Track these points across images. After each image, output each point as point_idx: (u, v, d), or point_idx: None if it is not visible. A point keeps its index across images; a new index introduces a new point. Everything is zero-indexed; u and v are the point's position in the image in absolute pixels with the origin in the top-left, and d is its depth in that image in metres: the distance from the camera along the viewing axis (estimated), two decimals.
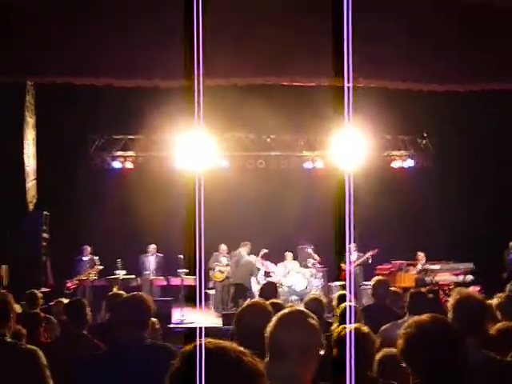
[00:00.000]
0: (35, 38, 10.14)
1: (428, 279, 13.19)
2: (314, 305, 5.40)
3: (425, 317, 2.45)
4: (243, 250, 13.38)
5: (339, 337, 3.43)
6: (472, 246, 13.74)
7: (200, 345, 1.47)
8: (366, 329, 3.54)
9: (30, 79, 12.29)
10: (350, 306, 4.60)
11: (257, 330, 2.58)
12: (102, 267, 12.84)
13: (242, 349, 1.52)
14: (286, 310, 2.54)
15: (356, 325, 3.54)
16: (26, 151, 12.78)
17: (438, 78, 10.96)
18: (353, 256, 13.75)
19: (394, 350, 3.71)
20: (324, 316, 5.32)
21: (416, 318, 2.48)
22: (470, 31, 10.16)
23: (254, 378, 1.46)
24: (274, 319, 2.47)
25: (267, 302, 3.59)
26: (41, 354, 3.59)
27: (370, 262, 13.63)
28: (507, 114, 13.49)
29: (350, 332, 3.11)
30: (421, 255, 13.78)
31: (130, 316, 3.49)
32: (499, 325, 3.88)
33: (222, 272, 13.36)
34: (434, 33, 10.31)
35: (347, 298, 5.32)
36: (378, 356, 3.62)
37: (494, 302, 5.23)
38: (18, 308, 6.01)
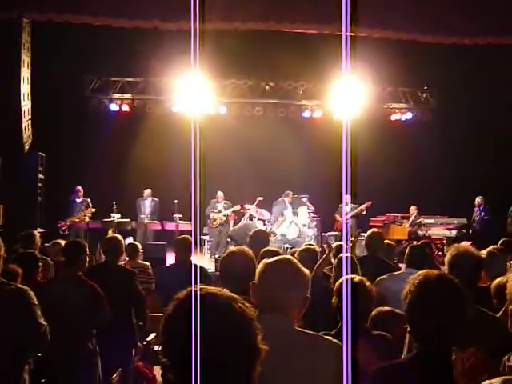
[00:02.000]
0: None
1: (421, 233, 13.30)
2: (308, 255, 5.45)
3: (432, 274, 2.44)
4: (287, 200, 13.39)
5: (341, 287, 3.46)
6: (467, 201, 13.81)
7: (195, 291, 1.47)
8: (367, 282, 3.59)
9: (27, 16, 12.03)
10: (347, 257, 4.64)
11: (237, 275, 2.57)
12: (94, 209, 12.85)
13: (232, 294, 1.52)
14: (271, 260, 2.48)
15: (358, 277, 3.57)
16: (22, 90, 12.62)
17: (445, 30, 10.78)
18: (347, 207, 13.80)
19: (386, 308, 3.78)
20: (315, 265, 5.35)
21: (423, 272, 2.46)
22: None
23: (244, 323, 1.47)
24: (261, 269, 2.43)
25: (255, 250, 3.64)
26: (31, 293, 3.60)
27: (364, 213, 13.68)
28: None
29: (347, 282, 3.13)
30: (413, 208, 13.88)
31: None
32: (498, 280, 3.91)
33: (215, 219, 13.39)
34: None
35: (343, 249, 5.36)
36: (371, 313, 3.66)
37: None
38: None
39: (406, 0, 10.18)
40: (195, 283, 1.51)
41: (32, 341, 3.69)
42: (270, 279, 2.37)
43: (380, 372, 2.44)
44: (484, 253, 5.10)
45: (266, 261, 2.48)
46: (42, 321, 3.66)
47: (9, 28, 11.92)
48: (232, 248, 3.69)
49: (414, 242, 9.06)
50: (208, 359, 1.40)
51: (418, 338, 2.37)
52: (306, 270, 2.46)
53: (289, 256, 2.66)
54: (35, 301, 3.61)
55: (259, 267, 2.46)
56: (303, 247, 6.29)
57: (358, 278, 3.56)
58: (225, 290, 1.54)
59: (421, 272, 2.47)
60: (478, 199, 13.69)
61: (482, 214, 13.58)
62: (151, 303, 5.91)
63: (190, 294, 1.49)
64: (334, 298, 3.46)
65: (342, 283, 3.46)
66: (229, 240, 13.61)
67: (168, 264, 5.49)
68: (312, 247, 5.93)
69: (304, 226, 13.83)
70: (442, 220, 13.78)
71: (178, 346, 1.43)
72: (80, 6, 10.20)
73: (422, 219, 13.69)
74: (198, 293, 1.47)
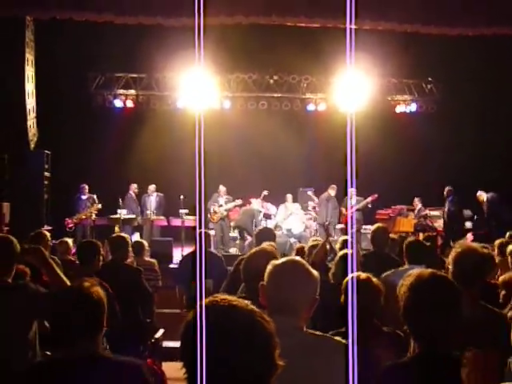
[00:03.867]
0: None
1: (427, 224, 13.28)
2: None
3: (425, 273, 2.43)
4: (332, 192, 13.46)
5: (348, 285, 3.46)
6: (473, 193, 13.75)
7: (211, 301, 1.47)
8: (373, 278, 3.58)
9: (30, 15, 12.04)
10: (352, 253, 4.62)
11: (262, 276, 2.57)
12: (100, 206, 12.88)
13: (253, 307, 1.51)
14: (280, 261, 2.47)
15: (364, 274, 3.56)
16: (27, 89, 12.65)
17: (448, 21, 10.71)
18: (353, 200, 13.78)
19: None
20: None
21: (416, 272, 2.46)
22: None
23: (264, 337, 1.46)
24: (270, 270, 2.41)
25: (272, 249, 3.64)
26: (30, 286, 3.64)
27: (369, 206, 13.67)
28: None
29: (352, 279, 3.12)
30: (416, 200, 13.84)
31: None
32: (506, 275, 3.91)
33: (215, 213, 13.30)
34: None
35: (349, 244, 5.35)
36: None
37: (510, 248, 5.28)
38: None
39: None
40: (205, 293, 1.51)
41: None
42: (278, 280, 2.36)
43: (387, 371, 2.44)
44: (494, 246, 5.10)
45: (275, 262, 2.47)
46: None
47: (12, 26, 11.94)
48: (255, 248, 3.69)
49: (414, 237, 9.00)
50: (224, 373, 1.40)
51: (417, 338, 2.38)
52: (314, 272, 2.45)
53: (297, 257, 2.65)
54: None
55: (268, 268, 2.44)
56: (311, 243, 6.30)
57: (364, 275, 3.55)
58: (246, 301, 1.53)
59: (413, 272, 2.47)
60: (446, 190, 13.46)
61: (449, 204, 13.39)
62: (159, 300, 5.93)
63: (211, 302, 1.48)
64: (342, 296, 3.44)
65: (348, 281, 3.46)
66: (236, 232, 13.59)
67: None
68: (320, 242, 5.92)
69: (310, 219, 13.85)
70: None
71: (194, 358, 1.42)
72: (83, 3, 10.19)
73: (427, 211, 13.66)
74: (217, 304, 1.47)
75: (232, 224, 13.64)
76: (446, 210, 13.40)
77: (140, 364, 2.74)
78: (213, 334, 1.40)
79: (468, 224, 13.74)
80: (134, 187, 13.80)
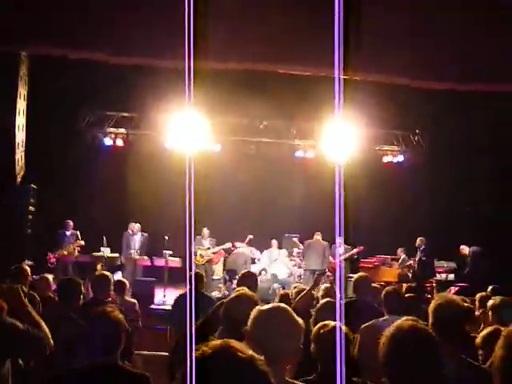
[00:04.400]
0: (32, 8, 10.00)
1: (411, 275, 13.27)
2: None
3: (405, 325, 2.42)
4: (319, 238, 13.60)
5: (318, 333, 3.42)
6: (457, 245, 13.81)
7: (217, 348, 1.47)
8: (345, 328, 3.54)
9: (25, 50, 12.15)
10: (340, 303, 4.59)
11: (242, 321, 2.54)
12: (83, 242, 12.79)
13: (251, 352, 1.50)
14: (266, 307, 2.43)
15: (333, 324, 3.51)
16: (17, 122, 12.67)
17: (437, 76, 10.93)
18: (340, 249, 13.81)
19: None
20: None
21: (397, 323, 2.45)
22: (474, 31, 10.13)
23: (265, 381, 1.47)
24: (255, 316, 2.38)
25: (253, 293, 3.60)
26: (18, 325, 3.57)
27: (355, 257, 13.76)
28: (502, 113, 13.56)
29: (335, 330, 3.09)
30: (399, 251, 13.95)
31: None
32: (486, 331, 3.89)
33: (202, 256, 13.31)
34: (436, 31, 10.28)
35: (336, 292, 5.31)
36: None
37: (490, 303, 5.28)
38: None
39: (399, 45, 10.34)
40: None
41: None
42: (263, 328, 2.33)
43: None
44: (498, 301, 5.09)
45: (260, 308, 2.44)
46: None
47: (7, 61, 12.02)
48: (236, 293, 3.65)
49: (404, 285, 9.02)
50: None
51: None
52: (300, 320, 2.42)
53: (282, 304, 2.61)
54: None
55: (253, 313, 2.41)
56: (297, 289, 6.26)
57: (332, 323, 3.44)
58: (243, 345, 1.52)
59: (394, 324, 2.45)
60: (418, 240, 13.47)
61: (421, 255, 13.44)
62: (138, 341, 5.83)
63: (220, 346, 1.48)
64: (312, 344, 3.38)
65: (319, 329, 3.42)
66: (220, 275, 13.53)
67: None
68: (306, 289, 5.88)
69: (295, 266, 13.82)
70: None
71: None
72: (77, 42, 10.29)
73: (411, 262, 13.69)
74: (216, 349, 1.47)
75: (218, 267, 13.62)
76: (417, 259, 13.47)
77: (149, 376, 3.39)
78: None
79: (451, 276, 13.75)
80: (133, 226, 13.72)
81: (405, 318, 2.54)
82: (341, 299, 5.13)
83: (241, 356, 1.46)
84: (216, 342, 1.49)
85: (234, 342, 1.50)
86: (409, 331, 2.36)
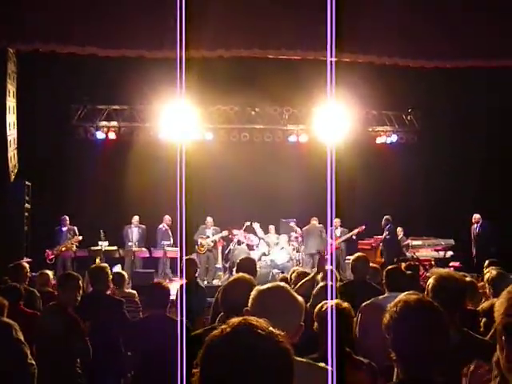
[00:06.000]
0: (19, 4, 9.95)
1: (409, 254, 13.33)
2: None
3: (412, 298, 2.43)
4: (315, 223, 13.75)
5: (320, 312, 3.51)
6: (454, 222, 13.88)
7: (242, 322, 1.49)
8: (345, 304, 3.59)
9: (12, 46, 12.06)
10: (332, 285, 4.63)
11: (241, 304, 2.56)
12: (81, 237, 12.80)
13: (271, 328, 1.51)
14: (265, 287, 2.46)
15: (336, 301, 3.57)
16: (8, 120, 12.61)
17: (426, 54, 10.92)
18: (337, 231, 13.85)
19: None
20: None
21: (401, 297, 2.46)
22: (461, 5, 10.13)
23: (285, 356, 1.48)
24: (255, 295, 2.41)
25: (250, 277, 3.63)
26: (17, 327, 3.57)
27: (354, 238, 13.81)
28: (494, 90, 13.57)
29: (331, 308, 3.12)
30: (398, 230, 14.00)
31: None
32: (485, 304, 3.92)
33: (202, 245, 13.31)
34: (425, 8, 10.27)
35: (330, 274, 5.35)
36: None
37: (486, 276, 5.32)
38: None
39: (388, 25, 10.32)
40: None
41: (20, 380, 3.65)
42: (263, 307, 2.35)
43: None
44: (494, 274, 5.14)
45: (260, 288, 2.46)
46: (31, 361, 3.63)
47: None
48: (233, 277, 3.68)
49: (403, 264, 9.04)
50: None
51: (403, 364, 2.35)
52: (300, 298, 2.44)
53: (282, 283, 2.64)
54: (20, 335, 3.57)
55: (253, 294, 2.44)
56: (299, 271, 6.29)
57: (335, 302, 3.54)
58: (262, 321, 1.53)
59: (400, 297, 2.45)
60: (384, 220, 13.67)
61: (386, 233, 13.55)
62: None
63: (240, 324, 1.49)
64: (314, 323, 3.44)
65: (321, 308, 3.48)
66: (224, 263, 13.57)
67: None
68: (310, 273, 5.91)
69: (294, 250, 13.84)
70: (430, 241, 13.82)
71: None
72: (66, 36, 10.23)
73: (409, 241, 13.75)
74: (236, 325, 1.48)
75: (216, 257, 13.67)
76: (383, 238, 13.55)
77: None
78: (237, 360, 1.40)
79: (449, 253, 13.80)
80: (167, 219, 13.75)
81: (406, 292, 2.54)
82: (338, 281, 5.15)
83: (260, 333, 1.47)
84: (235, 320, 1.51)
85: (252, 319, 1.51)
86: (416, 304, 2.37)
